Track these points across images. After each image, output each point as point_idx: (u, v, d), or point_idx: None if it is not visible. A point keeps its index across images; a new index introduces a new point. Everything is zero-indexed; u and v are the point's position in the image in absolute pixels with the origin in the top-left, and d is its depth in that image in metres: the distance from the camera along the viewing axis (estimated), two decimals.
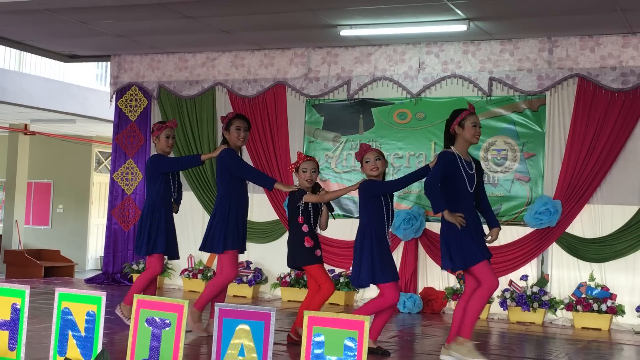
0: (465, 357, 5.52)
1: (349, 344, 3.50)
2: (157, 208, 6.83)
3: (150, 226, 6.78)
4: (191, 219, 10.46)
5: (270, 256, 9.99)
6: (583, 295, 8.25)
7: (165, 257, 7.07)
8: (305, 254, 6.22)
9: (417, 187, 9.38)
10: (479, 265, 5.60)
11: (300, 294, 9.43)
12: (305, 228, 6.22)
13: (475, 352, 5.54)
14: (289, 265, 6.43)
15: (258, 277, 9.73)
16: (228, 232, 6.31)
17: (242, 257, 10.00)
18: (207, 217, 10.34)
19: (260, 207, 10.09)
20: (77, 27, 9.43)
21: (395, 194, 9.42)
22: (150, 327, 3.90)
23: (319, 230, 6.35)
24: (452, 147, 5.73)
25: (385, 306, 5.82)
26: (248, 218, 10.10)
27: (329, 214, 6.39)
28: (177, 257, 7.13)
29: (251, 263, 9.93)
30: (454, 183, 5.63)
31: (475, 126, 5.68)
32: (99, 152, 17.38)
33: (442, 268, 5.90)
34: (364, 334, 3.48)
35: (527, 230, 8.83)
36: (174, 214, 7.12)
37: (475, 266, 5.61)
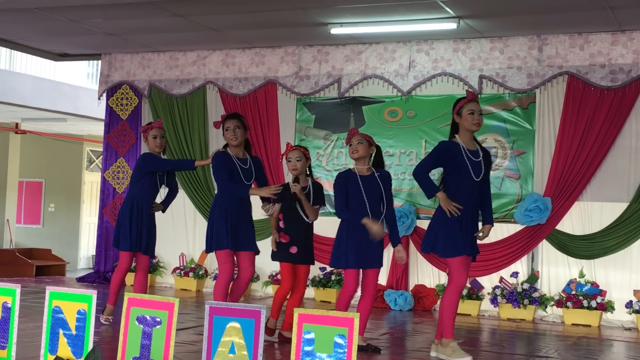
0: (450, 358, 5.53)
1: (339, 341, 3.52)
2: (135, 205, 6.84)
3: (122, 221, 6.82)
4: (183, 219, 10.48)
5: (261, 254, 9.93)
6: (573, 292, 8.30)
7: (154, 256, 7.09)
8: (278, 250, 6.28)
9: (407, 185, 9.41)
10: (456, 260, 5.54)
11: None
12: (281, 224, 6.28)
13: (460, 351, 5.55)
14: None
15: None
16: (216, 232, 6.16)
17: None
18: (199, 217, 10.39)
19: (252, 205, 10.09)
20: (67, 26, 9.42)
21: None
22: (141, 325, 3.91)
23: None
24: (455, 137, 5.69)
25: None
26: None
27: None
28: (152, 256, 7.04)
29: None
30: (456, 172, 5.59)
31: (473, 113, 5.60)
32: (90, 150, 17.35)
33: (421, 250, 5.92)
34: (353, 331, 3.50)
35: (518, 227, 8.87)
36: (161, 213, 7.13)
37: (451, 259, 5.55)
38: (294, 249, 6.22)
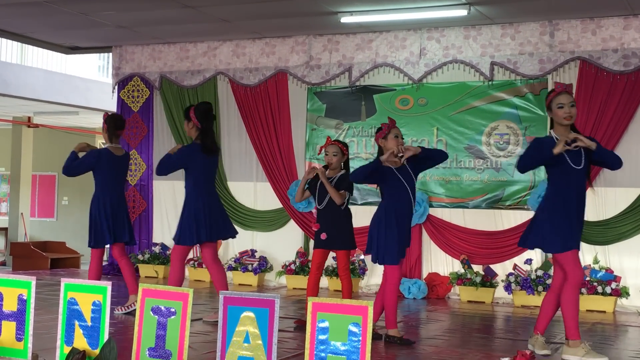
0: (584, 359, 5.23)
1: (353, 329, 3.52)
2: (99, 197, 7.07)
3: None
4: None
5: (275, 244, 10.03)
6: (587, 278, 8.27)
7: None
8: (314, 238, 6.65)
9: (420, 173, 9.38)
10: (567, 254, 5.25)
11: (305, 282, 9.45)
12: (314, 213, 6.67)
13: (593, 352, 5.26)
14: None
15: (263, 266, 9.76)
16: (180, 226, 6.49)
17: (247, 245, 10.09)
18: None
19: (264, 195, 10.13)
20: (77, 19, 9.43)
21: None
22: (156, 316, 3.92)
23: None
24: (551, 132, 5.44)
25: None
26: (252, 207, 10.23)
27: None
28: (126, 242, 7.15)
29: (256, 251, 9.96)
30: (555, 166, 5.30)
31: (562, 107, 5.32)
32: (103, 143, 17.33)
33: (520, 244, 5.58)
34: (368, 319, 3.50)
35: (531, 214, 8.75)
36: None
37: (562, 254, 5.26)
38: (323, 236, 6.48)
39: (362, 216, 8.42)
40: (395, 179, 5.82)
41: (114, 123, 7.06)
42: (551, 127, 5.50)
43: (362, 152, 9.65)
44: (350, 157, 9.56)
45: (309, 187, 6.64)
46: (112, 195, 7.00)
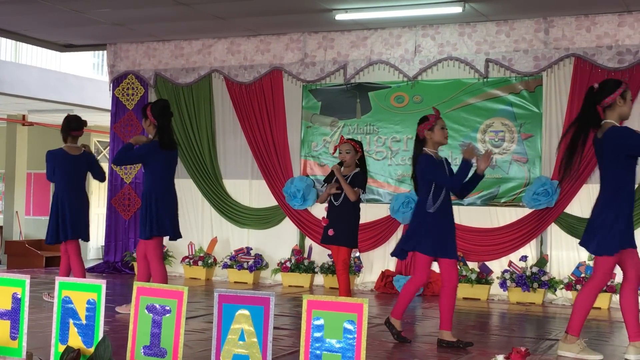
0: (579, 356, 5.19)
1: (349, 326, 3.52)
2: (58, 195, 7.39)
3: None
4: (192, 206, 10.49)
5: (270, 242, 10.03)
6: (582, 275, 8.28)
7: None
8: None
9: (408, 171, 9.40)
10: (627, 252, 5.19)
11: (300, 279, 9.48)
12: (326, 208, 6.89)
13: (588, 350, 5.24)
14: None
15: (258, 263, 9.76)
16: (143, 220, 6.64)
17: (242, 243, 10.10)
18: (207, 205, 10.40)
19: (259, 193, 10.13)
20: (72, 16, 9.41)
21: (394, 176, 9.47)
22: (151, 314, 3.92)
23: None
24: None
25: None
26: (247, 204, 10.24)
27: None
28: (81, 237, 7.48)
29: (251, 249, 9.96)
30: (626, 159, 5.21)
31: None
32: (98, 141, 17.37)
33: (594, 252, 5.38)
34: (363, 317, 3.50)
35: (526, 211, 8.85)
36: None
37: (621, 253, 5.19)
38: (331, 232, 6.73)
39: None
40: None
41: (67, 125, 7.46)
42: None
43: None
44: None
45: (326, 184, 6.89)
46: (70, 193, 7.35)
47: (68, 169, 7.36)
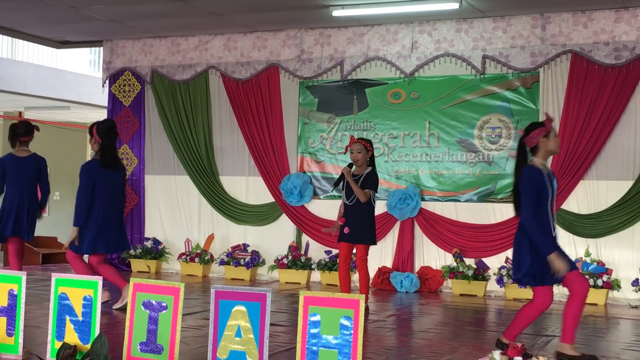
0: None
1: (345, 322, 3.52)
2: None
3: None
4: (189, 203, 10.48)
5: (267, 238, 10.02)
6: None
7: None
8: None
9: (412, 167, 9.40)
10: None
11: (297, 276, 9.48)
12: (342, 208, 6.97)
13: None
14: None
15: (255, 260, 9.75)
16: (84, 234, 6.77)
17: (239, 240, 10.10)
18: (204, 202, 10.39)
19: (256, 190, 10.12)
20: (68, 13, 9.39)
21: (391, 173, 9.47)
22: (147, 311, 3.92)
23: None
24: None
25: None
26: (244, 201, 10.23)
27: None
28: (23, 237, 7.78)
29: (248, 246, 9.95)
30: None
31: None
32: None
33: None
34: (359, 313, 3.50)
35: None
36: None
37: None
38: (347, 230, 6.81)
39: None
40: None
41: (12, 131, 7.85)
42: None
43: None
44: (341, 151, 9.62)
45: (338, 184, 7.00)
46: (20, 194, 7.69)
47: (15, 171, 7.72)
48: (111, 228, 6.77)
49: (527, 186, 4.97)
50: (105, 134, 6.81)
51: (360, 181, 6.80)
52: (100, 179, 6.75)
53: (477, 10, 8.72)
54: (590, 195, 8.63)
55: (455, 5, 8.44)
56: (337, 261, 9.28)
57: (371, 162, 6.94)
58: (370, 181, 6.82)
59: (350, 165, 6.91)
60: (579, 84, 8.61)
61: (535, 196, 4.98)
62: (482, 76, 9.09)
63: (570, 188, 8.64)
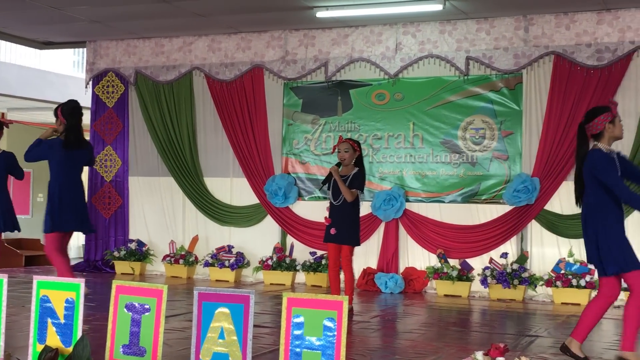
0: None
1: (328, 324, 3.52)
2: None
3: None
4: (173, 204, 10.45)
5: (251, 240, 10.01)
6: (562, 271, 8.33)
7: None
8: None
9: (396, 168, 9.41)
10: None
11: (282, 277, 9.46)
12: (327, 208, 7.04)
13: None
14: None
15: (240, 261, 9.73)
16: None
17: (223, 241, 10.07)
18: (188, 203, 10.36)
19: (241, 191, 10.10)
20: (50, 13, 9.34)
21: (376, 174, 9.48)
22: (130, 313, 3.90)
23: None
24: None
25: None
26: (229, 202, 10.22)
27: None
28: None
29: (233, 247, 9.93)
30: None
31: None
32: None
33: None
34: (342, 314, 3.50)
35: (506, 208, 8.89)
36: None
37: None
38: (333, 230, 6.87)
39: None
40: None
41: None
42: None
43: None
44: (326, 152, 9.62)
45: (325, 184, 7.01)
46: None
47: None
48: (67, 207, 6.90)
49: (606, 168, 4.79)
50: (70, 114, 6.92)
51: (347, 181, 6.85)
52: (60, 158, 6.89)
53: (461, 11, 8.75)
54: (573, 196, 8.63)
55: (438, 7, 8.47)
56: (322, 262, 9.33)
57: (360, 163, 6.99)
58: (357, 181, 6.88)
59: (338, 165, 6.96)
60: (562, 85, 8.66)
61: (617, 174, 4.78)
62: (465, 77, 9.13)
63: (553, 188, 8.69)
